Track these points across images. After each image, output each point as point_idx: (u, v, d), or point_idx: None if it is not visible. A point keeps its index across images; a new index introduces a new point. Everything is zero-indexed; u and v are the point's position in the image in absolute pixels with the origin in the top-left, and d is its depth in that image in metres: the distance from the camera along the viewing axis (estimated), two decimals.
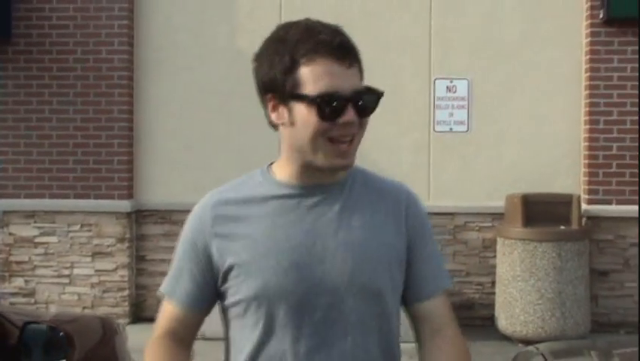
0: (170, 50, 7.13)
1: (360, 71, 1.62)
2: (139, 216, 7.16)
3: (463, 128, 6.99)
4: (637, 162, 6.64)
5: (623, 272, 6.70)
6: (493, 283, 6.69)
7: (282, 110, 1.63)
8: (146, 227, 7.17)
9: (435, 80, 6.98)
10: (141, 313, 7.12)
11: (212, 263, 1.67)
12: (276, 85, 1.61)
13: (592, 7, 6.68)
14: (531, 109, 6.94)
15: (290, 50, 1.59)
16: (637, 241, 6.61)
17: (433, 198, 6.94)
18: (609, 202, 6.68)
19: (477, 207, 6.90)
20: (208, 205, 1.71)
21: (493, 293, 6.65)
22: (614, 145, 6.68)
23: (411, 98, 6.94)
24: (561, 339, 5.68)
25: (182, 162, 7.13)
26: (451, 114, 7.00)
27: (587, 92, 6.75)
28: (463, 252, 6.93)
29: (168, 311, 1.76)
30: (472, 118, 6.99)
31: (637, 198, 6.63)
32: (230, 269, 1.65)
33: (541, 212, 6.33)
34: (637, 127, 6.64)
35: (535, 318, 6.15)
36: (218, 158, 7.10)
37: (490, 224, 6.87)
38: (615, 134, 6.68)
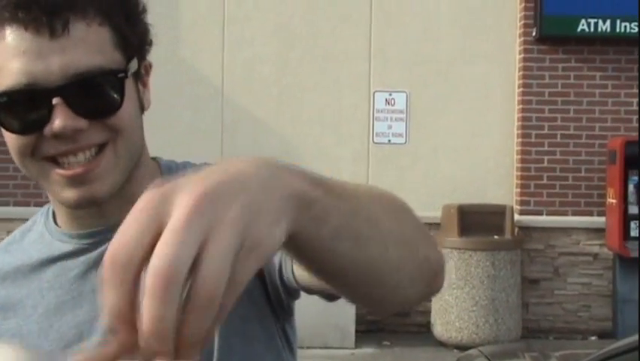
0: None
1: (106, 34, 0.92)
2: None
3: (401, 140, 7.16)
4: (566, 174, 6.91)
5: (553, 280, 6.95)
6: None
7: None
8: None
9: (374, 92, 7.13)
10: None
11: None
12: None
13: (525, 26, 6.94)
14: (466, 122, 7.15)
15: None
16: (566, 250, 6.88)
17: None
18: (540, 213, 6.93)
19: None
20: None
21: (429, 301, 6.82)
22: (545, 158, 6.93)
23: (351, 109, 7.08)
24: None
25: None
26: (390, 126, 7.16)
27: (520, 106, 7.00)
28: None
29: None
30: (410, 130, 7.16)
31: (566, 209, 6.90)
32: None
33: (475, 222, 6.53)
34: (566, 141, 6.91)
35: (469, 324, 6.33)
36: None
37: None
38: (546, 148, 6.94)
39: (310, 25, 7.13)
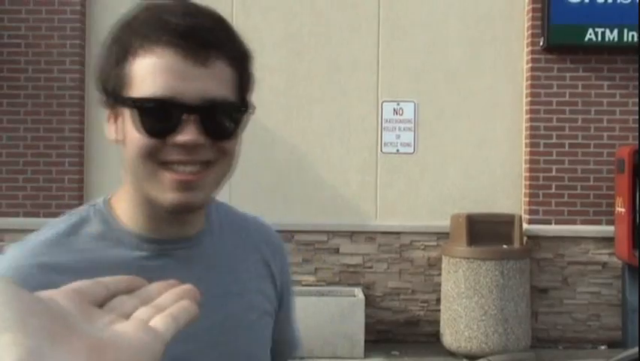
0: None
1: (234, 75, 1.10)
2: None
3: (410, 149, 7.19)
4: (575, 183, 6.92)
5: (562, 289, 6.95)
6: (439, 300, 6.87)
7: (113, 121, 1.12)
8: None
9: (382, 102, 7.17)
10: None
11: None
12: (105, 84, 1.11)
13: (533, 35, 6.97)
14: (474, 131, 7.18)
15: (126, 37, 1.07)
16: (575, 259, 6.88)
17: (380, 217, 7.11)
18: (549, 222, 6.93)
19: (422, 227, 7.09)
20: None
21: (439, 310, 6.83)
22: (554, 167, 6.95)
23: (359, 119, 7.11)
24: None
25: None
26: (398, 136, 7.19)
27: (528, 115, 7.02)
28: (409, 270, 7.10)
29: None
30: (418, 140, 7.19)
31: (575, 218, 6.90)
32: None
33: (484, 231, 6.54)
34: (575, 150, 6.92)
35: (478, 334, 6.34)
36: None
37: (435, 243, 7.05)
38: (555, 157, 6.95)
39: (319, 35, 7.18)
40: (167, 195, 1.07)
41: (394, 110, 7.19)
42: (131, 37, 1.07)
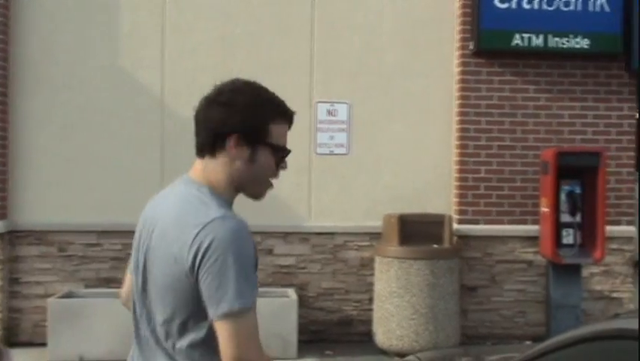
0: (49, 67, 6.99)
1: None
2: (13, 237, 6.94)
3: (343, 150, 7.25)
4: (502, 184, 7.10)
5: (490, 287, 7.13)
6: (371, 299, 6.95)
7: (245, 148, 1.97)
8: (21, 248, 6.96)
9: (316, 103, 7.21)
10: (14, 337, 6.88)
11: None
12: (251, 129, 1.96)
13: (463, 39, 7.12)
14: (407, 133, 7.28)
15: (269, 111, 2.00)
16: (502, 258, 7.07)
17: (314, 218, 7.14)
18: (477, 222, 7.10)
19: (356, 227, 7.16)
20: (246, 226, 1.90)
21: (371, 310, 6.91)
22: (482, 168, 7.12)
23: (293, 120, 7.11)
24: None
25: (59, 181, 6.99)
26: (332, 137, 7.24)
27: (458, 118, 7.17)
28: (343, 270, 7.16)
29: (255, 322, 1.81)
30: (352, 141, 7.26)
31: (502, 218, 7.09)
32: None
33: (415, 231, 6.65)
34: (502, 152, 7.11)
35: (409, 332, 6.44)
36: (97, 177, 7.02)
37: (368, 243, 7.13)
38: (483, 158, 7.12)
39: (252, 35, 7.17)
40: (266, 192, 2.10)
41: (328, 111, 7.23)
42: (271, 113, 2.02)
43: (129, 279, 2.14)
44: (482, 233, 7.08)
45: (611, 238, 6.93)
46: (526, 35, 6.94)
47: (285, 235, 7.07)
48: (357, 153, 7.25)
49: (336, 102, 7.24)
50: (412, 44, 7.29)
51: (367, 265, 7.10)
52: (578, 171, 6.37)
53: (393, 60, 7.28)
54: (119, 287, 7.35)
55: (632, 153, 7.20)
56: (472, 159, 7.12)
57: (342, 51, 7.25)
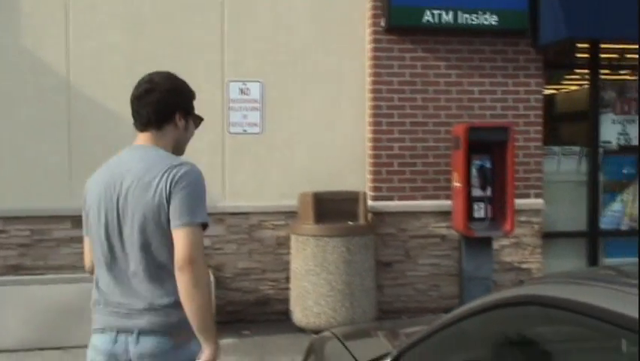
0: None
1: None
2: None
3: (257, 129, 7.18)
4: (415, 160, 7.19)
5: (405, 263, 7.23)
6: (288, 278, 6.95)
7: (183, 121, 2.69)
8: None
9: (228, 82, 7.10)
10: None
11: None
12: (187, 106, 2.71)
13: (374, 16, 7.14)
14: (321, 111, 7.27)
15: (190, 92, 2.75)
16: (416, 233, 7.18)
17: (228, 198, 7.07)
18: (392, 198, 7.17)
19: (271, 207, 7.12)
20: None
21: (288, 288, 6.91)
22: (396, 145, 7.18)
23: (204, 100, 6.94)
24: None
25: None
26: (245, 116, 7.16)
27: (371, 95, 7.20)
28: (259, 250, 7.12)
29: (202, 238, 2.45)
30: (265, 120, 7.20)
31: (416, 194, 7.19)
32: None
33: (331, 209, 6.67)
34: (415, 128, 7.19)
35: (327, 309, 6.48)
36: (1, 162, 6.74)
37: (283, 222, 7.11)
38: (396, 135, 7.18)
39: (161, 13, 6.99)
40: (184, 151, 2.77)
41: (241, 90, 7.14)
42: (191, 92, 2.74)
43: (87, 245, 2.69)
44: (396, 209, 7.16)
45: (520, 211, 7.13)
46: (436, 12, 7.01)
47: None
48: (271, 132, 7.20)
49: (249, 81, 7.15)
50: (324, 22, 7.27)
51: (283, 244, 7.09)
52: (488, 146, 6.50)
53: (305, 38, 7.24)
54: (28, 275, 7.08)
55: (539, 128, 7.41)
56: (385, 136, 7.17)
57: (254, 29, 7.15)
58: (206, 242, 7.00)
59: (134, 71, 7.05)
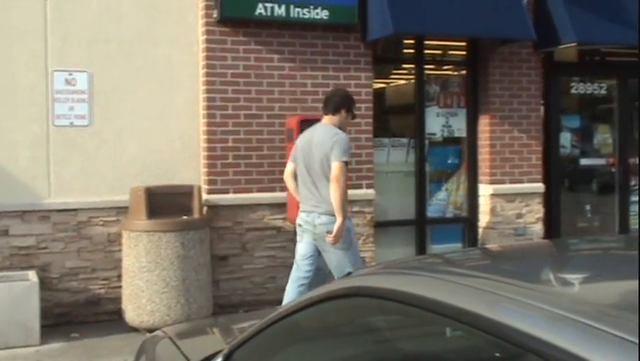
0: None
1: None
2: None
3: (85, 122, 6.87)
4: (250, 153, 7.18)
5: (241, 256, 7.21)
6: (120, 276, 6.71)
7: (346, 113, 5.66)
8: None
9: (53, 72, 6.73)
10: None
11: None
12: (351, 105, 5.72)
13: (207, 7, 7.03)
14: (152, 103, 7.07)
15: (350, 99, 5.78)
16: (252, 226, 7.18)
17: (54, 194, 6.70)
18: (227, 191, 7.12)
19: (101, 202, 6.84)
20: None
21: (120, 287, 6.67)
22: (230, 138, 7.13)
23: (27, 90, 6.60)
24: None
25: None
26: (72, 108, 6.82)
27: (204, 87, 7.10)
28: (88, 248, 6.82)
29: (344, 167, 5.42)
30: (94, 112, 6.89)
31: (252, 186, 7.18)
32: None
33: (164, 204, 6.51)
34: (249, 120, 7.17)
35: (161, 307, 6.32)
36: None
37: (115, 218, 6.86)
38: (231, 127, 7.13)
39: None
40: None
41: (66, 80, 6.79)
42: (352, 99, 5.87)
43: (291, 167, 5.70)
44: (232, 202, 7.12)
45: (353, 202, 7.32)
46: (268, 5, 7.01)
47: (22, 214, 6.56)
48: (100, 125, 6.91)
49: (75, 71, 6.81)
50: (154, 10, 7.07)
51: (115, 240, 6.84)
52: None
53: (135, 27, 7.01)
54: None
55: (370, 120, 7.63)
56: (219, 129, 7.09)
57: (80, 15, 6.82)
58: (31, 241, 6.62)
59: None
